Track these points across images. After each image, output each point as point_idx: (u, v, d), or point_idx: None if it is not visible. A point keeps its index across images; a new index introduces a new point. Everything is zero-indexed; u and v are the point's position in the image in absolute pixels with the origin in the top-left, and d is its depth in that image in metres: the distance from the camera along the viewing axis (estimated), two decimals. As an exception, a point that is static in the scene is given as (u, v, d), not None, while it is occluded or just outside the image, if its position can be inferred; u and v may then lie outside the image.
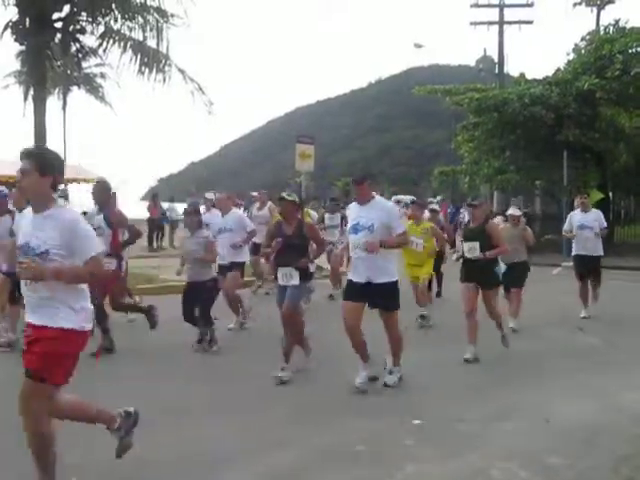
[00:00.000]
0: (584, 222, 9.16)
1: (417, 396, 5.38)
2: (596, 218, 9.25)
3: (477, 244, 6.63)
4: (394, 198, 15.65)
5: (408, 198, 13.29)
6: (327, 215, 11.35)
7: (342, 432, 4.50)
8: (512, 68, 26.82)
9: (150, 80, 12.45)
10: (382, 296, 5.36)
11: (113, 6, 12.24)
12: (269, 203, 11.14)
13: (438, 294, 10.66)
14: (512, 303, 8.32)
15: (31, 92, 12.84)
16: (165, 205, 21.33)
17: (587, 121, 18.47)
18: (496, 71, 24.02)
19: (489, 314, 6.83)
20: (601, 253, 9.34)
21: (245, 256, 8.33)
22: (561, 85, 18.75)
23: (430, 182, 35.49)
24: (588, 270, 9.18)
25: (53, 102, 33.67)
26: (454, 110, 22.03)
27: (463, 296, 6.74)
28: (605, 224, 9.41)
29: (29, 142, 12.39)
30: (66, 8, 12.41)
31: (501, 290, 7.45)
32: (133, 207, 21.10)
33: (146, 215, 19.63)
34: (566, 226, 9.51)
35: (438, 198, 19.42)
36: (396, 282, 5.46)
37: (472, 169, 21.29)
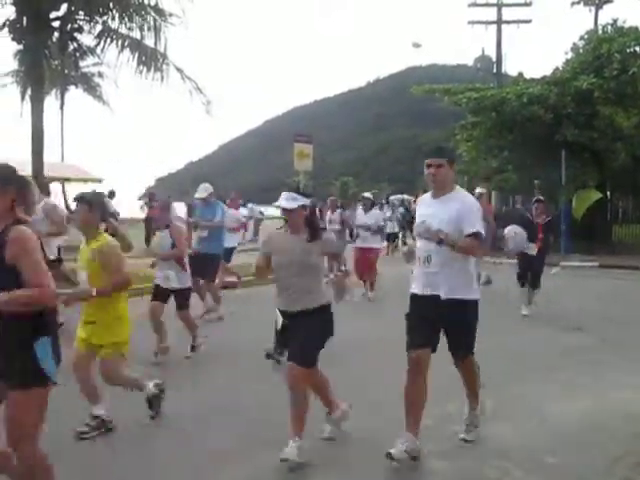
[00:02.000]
0: (425, 220, 4.04)
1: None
2: (451, 213, 3.99)
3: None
4: (392, 198, 15.33)
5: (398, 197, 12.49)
6: (158, 233, 7.07)
7: (336, 432, 4.50)
8: (510, 67, 27.02)
9: (148, 79, 12.47)
10: None
11: (111, 5, 12.24)
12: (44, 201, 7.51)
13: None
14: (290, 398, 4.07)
15: (28, 92, 12.86)
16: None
17: (585, 120, 18.46)
18: (494, 70, 24.00)
19: None
20: (472, 297, 4.07)
21: None
22: (559, 84, 18.74)
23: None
24: (433, 334, 4.09)
25: (51, 101, 33.64)
26: (452, 109, 22.01)
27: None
28: (475, 228, 3.96)
29: (26, 142, 12.39)
30: (63, 7, 12.41)
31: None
32: (130, 206, 21.20)
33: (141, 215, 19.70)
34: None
35: (478, 190, 12.19)
36: None
37: (470, 168, 21.31)
